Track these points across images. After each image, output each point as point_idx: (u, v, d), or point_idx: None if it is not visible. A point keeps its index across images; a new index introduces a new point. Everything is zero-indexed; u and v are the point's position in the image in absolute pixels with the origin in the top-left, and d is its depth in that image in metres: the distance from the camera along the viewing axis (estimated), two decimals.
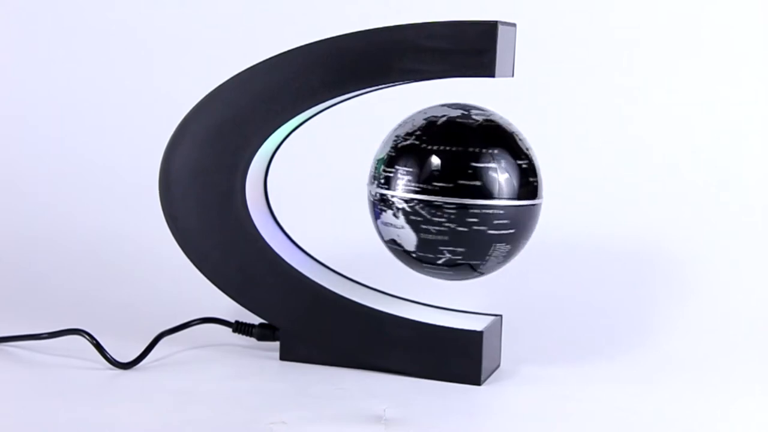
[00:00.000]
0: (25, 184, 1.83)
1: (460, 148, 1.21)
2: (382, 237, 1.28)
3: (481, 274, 1.26)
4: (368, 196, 1.28)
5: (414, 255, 1.25)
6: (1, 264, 1.66)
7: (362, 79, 1.24)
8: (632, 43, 1.80)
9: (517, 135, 1.24)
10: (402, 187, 1.23)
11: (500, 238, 1.22)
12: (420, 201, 1.22)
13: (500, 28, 1.19)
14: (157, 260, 1.62)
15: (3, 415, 1.13)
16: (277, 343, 1.35)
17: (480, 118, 1.23)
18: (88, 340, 1.31)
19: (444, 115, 1.24)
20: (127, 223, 1.74)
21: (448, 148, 1.21)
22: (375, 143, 1.29)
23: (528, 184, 1.23)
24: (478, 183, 1.20)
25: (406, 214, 1.23)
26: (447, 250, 1.23)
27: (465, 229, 1.21)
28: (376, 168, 1.26)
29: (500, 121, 1.24)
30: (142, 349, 1.31)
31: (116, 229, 1.74)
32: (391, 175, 1.24)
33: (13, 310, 1.49)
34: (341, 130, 1.69)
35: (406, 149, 1.23)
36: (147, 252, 1.66)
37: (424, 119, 1.24)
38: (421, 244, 1.23)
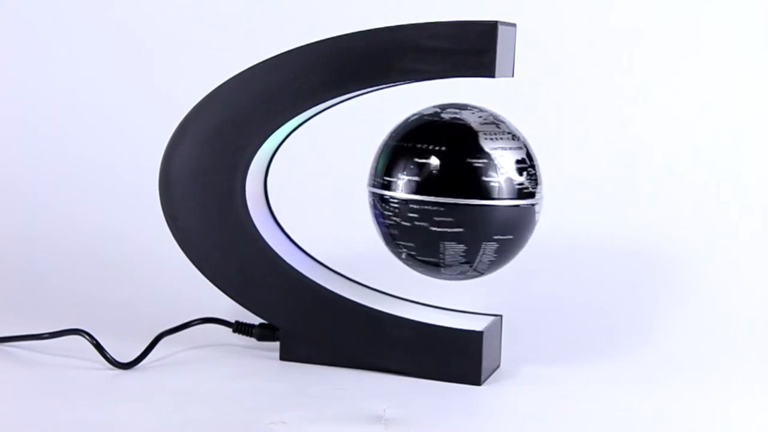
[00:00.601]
0: (25, 184, 1.83)
1: (409, 145, 1.23)
2: None
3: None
4: None
5: (389, 249, 1.28)
6: (1, 264, 1.66)
7: (362, 79, 1.24)
8: (632, 43, 1.79)
9: (486, 134, 1.21)
10: (369, 181, 1.27)
11: (446, 236, 1.21)
12: (376, 194, 1.25)
13: (500, 28, 1.19)
14: (157, 260, 1.62)
15: (3, 415, 1.13)
16: (277, 343, 1.35)
17: (447, 117, 1.24)
18: (88, 340, 1.31)
19: (419, 114, 1.26)
20: (127, 223, 1.74)
21: (403, 144, 1.24)
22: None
23: (478, 183, 1.21)
24: (417, 179, 1.21)
25: (371, 207, 1.27)
26: (402, 245, 1.24)
27: (408, 224, 1.22)
28: None
29: (473, 121, 1.23)
30: (142, 349, 1.31)
31: (116, 229, 1.73)
32: (369, 170, 1.28)
33: (13, 310, 1.49)
34: (341, 130, 1.69)
35: (380, 147, 1.27)
36: (147, 252, 1.66)
37: (405, 118, 1.27)
38: (384, 237, 1.27)
